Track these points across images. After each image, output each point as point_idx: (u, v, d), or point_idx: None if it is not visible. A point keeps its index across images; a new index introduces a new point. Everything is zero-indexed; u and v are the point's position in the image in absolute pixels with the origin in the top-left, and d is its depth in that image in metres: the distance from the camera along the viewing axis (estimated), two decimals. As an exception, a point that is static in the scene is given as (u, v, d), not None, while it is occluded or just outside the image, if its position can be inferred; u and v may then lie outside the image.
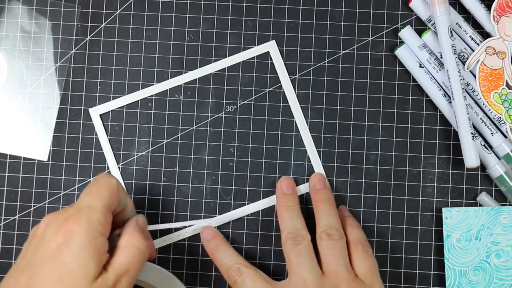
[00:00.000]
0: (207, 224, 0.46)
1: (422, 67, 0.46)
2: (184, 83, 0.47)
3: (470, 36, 0.46)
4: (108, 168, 0.47)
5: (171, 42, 0.48)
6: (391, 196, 0.46)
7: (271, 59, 0.47)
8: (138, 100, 0.47)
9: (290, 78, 0.47)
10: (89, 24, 0.48)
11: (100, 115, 0.47)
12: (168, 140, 0.47)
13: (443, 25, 0.44)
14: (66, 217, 0.37)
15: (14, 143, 0.47)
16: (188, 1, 0.48)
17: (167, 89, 0.47)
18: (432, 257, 0.46)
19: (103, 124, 0.47)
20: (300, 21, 0.48)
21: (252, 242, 0.46)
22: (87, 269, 0.35)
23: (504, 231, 0.44)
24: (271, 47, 0.47)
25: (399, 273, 0.46)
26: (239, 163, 0.47)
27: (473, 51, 0.46)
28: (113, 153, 0.47)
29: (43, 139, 0.47)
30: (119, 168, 0.47)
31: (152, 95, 0.47)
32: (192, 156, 0.47)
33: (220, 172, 0.47)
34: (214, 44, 0.48)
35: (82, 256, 0.35)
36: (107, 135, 0.47)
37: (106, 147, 0.47)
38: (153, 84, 0.47)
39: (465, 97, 0.44)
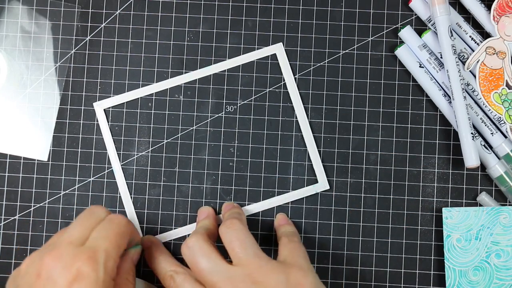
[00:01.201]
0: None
1: (422, 67, 0.46)
2: (184, 83, 0.47)
3: (470, 36, 0.46)
4: (109, 163, 0.47)
5: (171, 42, 0.48)
6: (391, 196, 0.46)
7: (271, 60, 0.47)
8: (138, 100, 0.47)
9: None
10: (89, 24, 0.48)
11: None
12: (168, 140, 0.47)
13: (443, 25, 0.44)
14: (76, 256, 0.36)
15: (14, 143, 0.47)
16: (188, 1, 0.48)
17: (167, 89, 0.47)
18: (432, 257, 0.46)
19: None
20: (300, 21, 0.48)
21: (252, 242, 0.46)
22: None
23: (504, 231, 0.44)
24: (278, 49, 0.47)
25: (399, 273, 0.46)
26: (239, 163, 0.47)
27: (473, 51, 0.46)
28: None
29: (43, 139, 0.47)
30: (120, 159, 0.47)
31: (152, 94, 0.47)
32: (192, 156, 0.47)
33: (220, 172, 0.47)
34: (214, 44, 0.48)
35: None
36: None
37: (108, 139, 0.47)
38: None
39: (465, 97, 0.44)
